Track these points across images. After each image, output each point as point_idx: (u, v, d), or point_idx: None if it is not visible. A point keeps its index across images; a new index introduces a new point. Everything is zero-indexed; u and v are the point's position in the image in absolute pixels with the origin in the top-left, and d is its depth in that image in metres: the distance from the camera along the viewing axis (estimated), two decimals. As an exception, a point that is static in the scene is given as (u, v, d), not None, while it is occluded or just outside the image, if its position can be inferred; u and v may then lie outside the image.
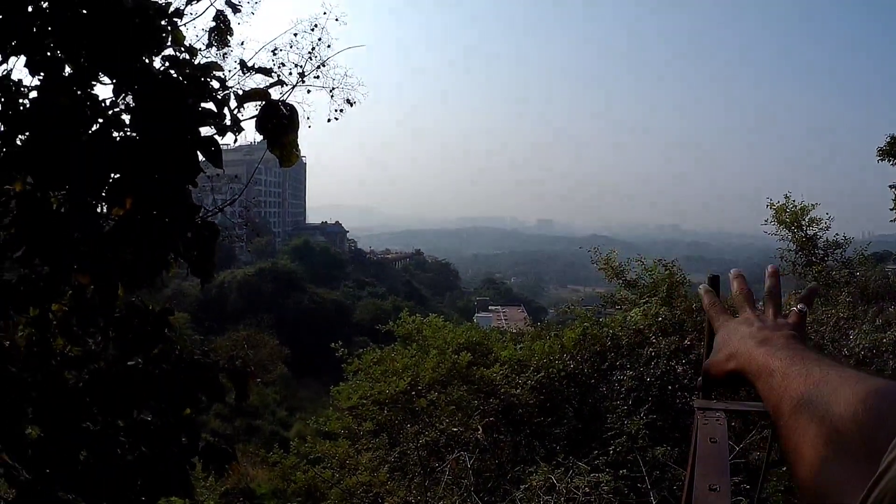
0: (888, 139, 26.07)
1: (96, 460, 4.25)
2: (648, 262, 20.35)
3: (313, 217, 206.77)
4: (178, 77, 3.99)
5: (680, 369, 15.48)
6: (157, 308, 4.70)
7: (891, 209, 26.52)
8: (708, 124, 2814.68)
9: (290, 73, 8.15)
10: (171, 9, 4.15)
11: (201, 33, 5.37)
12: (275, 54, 8.05)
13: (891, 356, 14.64)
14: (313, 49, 8.28)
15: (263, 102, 4.15)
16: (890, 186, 26.60)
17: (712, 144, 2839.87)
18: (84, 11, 3.69)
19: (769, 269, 1.76)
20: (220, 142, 4.22)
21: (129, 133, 3.87)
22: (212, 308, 78.51)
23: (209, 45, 5.23)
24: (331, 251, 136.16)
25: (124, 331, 4.52)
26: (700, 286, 1.89)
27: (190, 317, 58.88)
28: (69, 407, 4.25)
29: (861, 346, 14.97)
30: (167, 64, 4.04)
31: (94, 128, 3.77)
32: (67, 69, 3.79)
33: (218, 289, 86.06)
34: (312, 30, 8.50)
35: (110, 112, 3.87)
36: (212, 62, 4.25)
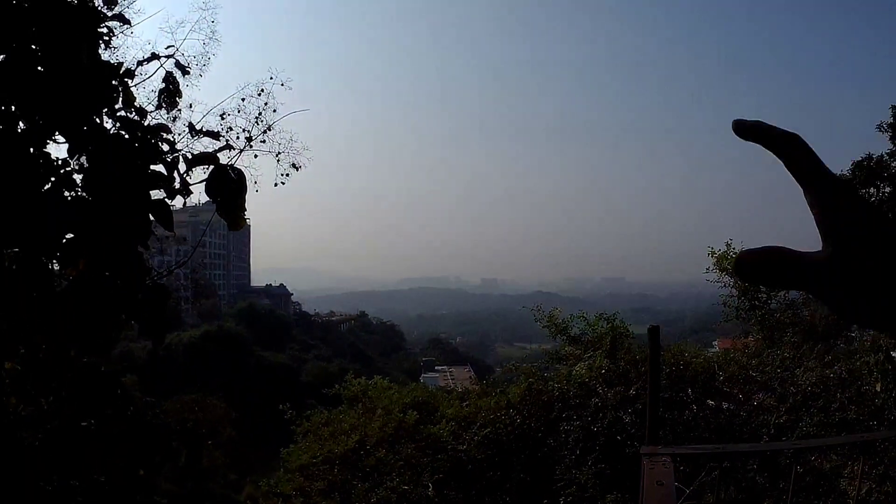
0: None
1: (54, 522, 4.25)
2: (591, 318, 20.56)
3: (258, 279, 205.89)
4: (129, 139, 4.04)
5: (627, 419, 15.60)
6: (107, 369, 4.72)
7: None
8: (652, 178, 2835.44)
9: (238, 138, 8.26)
10: (123, 69, 4.21)
11: (151, 95, 5.45)
12: (223, 118, 8.15)
13: (838, 390, 14.79)
14: (260, 114, 8.41)
15: (212, 167, 4.19)
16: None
17: (656, 197, 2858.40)
18: (41, 69, 3.74)
19: None
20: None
21: (80, 193, 3.91)
22: (159, 370, 77.73)
23: (159, 107, 5.29)
24: (276, 314, 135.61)
25: (77, 391, 4.52)
26: None
27: (137, 379, 58.48)
28: (25, 466, 4.25)
29: (807, 382, 15.15)
30: (118, 125, 4.09)
31: (46, 186, 3.81)
32: (21, 125, 3.83)
33: (165, 351, 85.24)
34: (259, 94, 8.62)
35: (62, 171, 3.92)
36: (161, 124, 4.29)
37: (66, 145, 3.87)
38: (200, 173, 4.26)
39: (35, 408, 4.51)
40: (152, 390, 55.43)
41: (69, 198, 3.85)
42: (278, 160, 8.55)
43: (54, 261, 3.96)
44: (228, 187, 4.12)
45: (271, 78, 9.08)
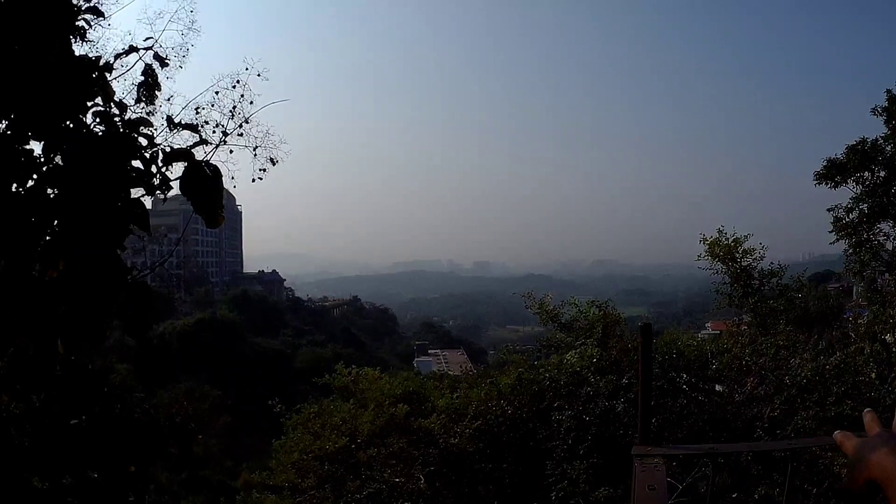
0: (825, 163, 26.29)
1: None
2: (582, 304, 20.46)
3: (250, 266, 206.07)
4: (107, 134, 3.93)
5: (620, 408, 15.48)
6: (98, 364, 4.65)
7: (829, 231, 26.73)
8: (642, 157, 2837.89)
9: (214, 132, 8.07)
10: (101, 62, 4.10)
11: (129, 87, 5.32)
12: (197, 113, 7.97)
13: (834, 382, 14.61)
14: (234, 107, 8.20)
15: (186, 163, 4.08)
16: (828, 209, 26.82)
17: (647, 178, 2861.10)
18: (15, 67, 3.62)
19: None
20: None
21: (58, 192, 3.80)
22: (153, 358, 77.85)
23: (138, 101, 5.16)
24: (269, 300, 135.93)
25: (65, 389, 4.45)
26: (835, 434, 2.06)
27: (132, 368, 58.57)
28: (17, 464, 4.18)
29: (803, 374, 14.98)
30: (97, 120, 3.98)
31: (29, 184, 3.71)
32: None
33: (159, 339, 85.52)
34: (234, 86, 8.43)
35: (44, 168, 3.81)
36: (141, 118, 4.17)
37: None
38: (181, 166, 4.15)
39: (26, 405, 4.44)
40: (147, 379, 55.61)
41: (52, 195, 3.76)
42: (255, 154, 8.35)
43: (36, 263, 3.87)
44: (204, 185, 4.02)
45: (247, 68, 8.85)
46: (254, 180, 8.88)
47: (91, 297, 3.91)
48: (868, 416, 1.98)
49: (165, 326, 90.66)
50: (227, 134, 7.83)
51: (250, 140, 8.36)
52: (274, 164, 8.64)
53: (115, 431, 4.49)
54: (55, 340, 4.00)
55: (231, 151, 7.78)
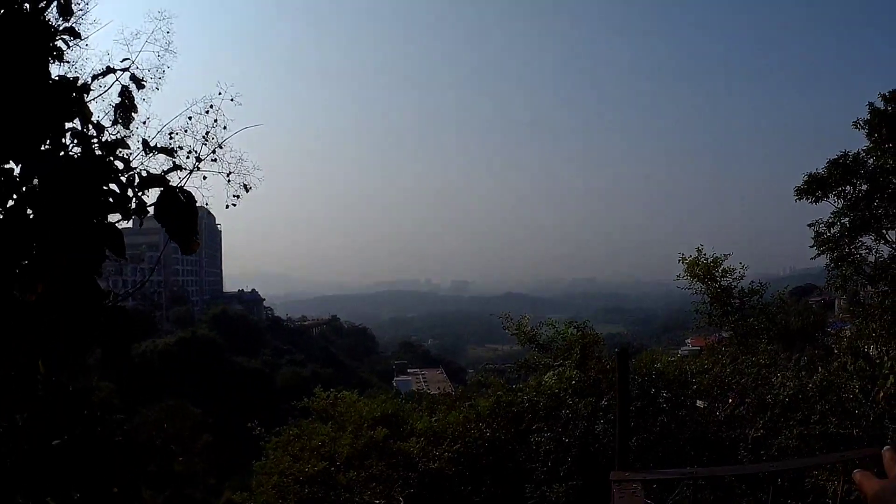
0: (805, 178, 26.13)
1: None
2: (560, 324, 20.44)
3: (230, 285, 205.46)
4: (84, 157, 3.88)
5: (599, 429, 15.43)
6: (82, 381, 4.61)
7: (811, 246, 26.57)
8: (617, 175, 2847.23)
9: (188, 157, 8.02)
10: (79, 83, 4.05)
11: (107, 108, 5.28)
12: (171, 138, 7.92)
13: (818, 400, 14.53)
14: (207, 133, 8.16)
15: (161, 189, 4.04)
16: (808, 225, 26.67)
17: (624, 195, 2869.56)
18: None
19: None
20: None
21: (35, 216, 3.75)
22: (136, 375, 77.84)
23: (115, 123, 5.12)
24: (249, 319, 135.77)
25: (46, 410, 4.42)
26: (854, 473, 1.99)
27: (114, 386, 58.56)
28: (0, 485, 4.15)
29: (785, 392, 14.90)
30: (75, 141, 3.94)
31: (9, 204, 3.66)
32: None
33: (140, 357, 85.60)
34: (207, 112, 8.36)
35: (24, 189, 3.76)
36: (118, 140, 4.13)
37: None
38: (157, 190, 4.11)
39: (9, 425, 4.41)
40: (130, 396, 55.48)
41: (31, 217, 3.71)
42: (228, 181, 8.31)
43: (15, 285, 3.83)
44: (178, 212, 3.97)
45: (220, 93, 8.77)
46: (228, 207, 8.81)
47: (69, 320, 3.87)
48: (888, 454, 1.89)
49: (147, 345, 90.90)
50: (201, 160, 7.77)
51: (224, 166, 8.31)
52: (248, 191, 8.58)
53: (97, 453, 4.47)
54: (36, 361, 3.98)
55: (205, 178, 7.71)
